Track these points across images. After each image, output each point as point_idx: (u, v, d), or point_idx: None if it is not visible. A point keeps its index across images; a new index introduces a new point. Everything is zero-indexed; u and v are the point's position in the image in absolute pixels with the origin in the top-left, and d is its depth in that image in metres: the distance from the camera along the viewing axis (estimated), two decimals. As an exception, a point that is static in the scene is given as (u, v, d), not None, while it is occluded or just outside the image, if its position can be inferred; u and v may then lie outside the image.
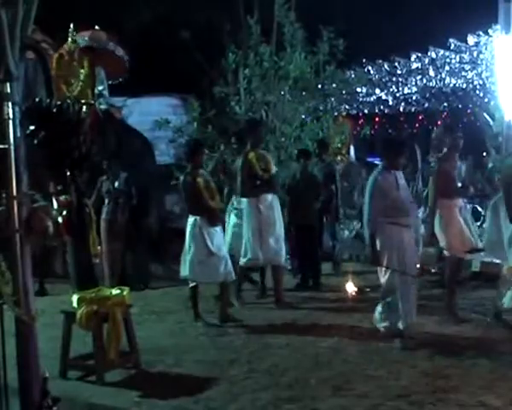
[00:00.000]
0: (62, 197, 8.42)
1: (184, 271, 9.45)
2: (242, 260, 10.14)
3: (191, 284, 9.44)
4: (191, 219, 9.31)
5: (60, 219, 8.02)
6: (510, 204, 8.18)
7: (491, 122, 14.22)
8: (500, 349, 7.62)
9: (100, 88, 12.11)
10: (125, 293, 7.56)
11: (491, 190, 13.62)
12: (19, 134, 4.38)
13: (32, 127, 7.54)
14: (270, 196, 10.08)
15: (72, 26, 11.27)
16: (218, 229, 9.49)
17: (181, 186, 9.60)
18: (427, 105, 18.56)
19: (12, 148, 4.29)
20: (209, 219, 9.25)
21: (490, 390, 6.21)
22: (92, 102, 11.77)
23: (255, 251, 10.02)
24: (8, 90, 4.23)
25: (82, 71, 11.74)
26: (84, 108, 11.48)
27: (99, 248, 9.98)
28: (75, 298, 7.40)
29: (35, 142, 8.61)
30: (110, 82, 11.86)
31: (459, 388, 6.62)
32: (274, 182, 10.25)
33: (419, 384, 6.76)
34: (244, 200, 10.11)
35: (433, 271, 11.47)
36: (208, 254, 9.20)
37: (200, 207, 9.22)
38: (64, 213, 7.69)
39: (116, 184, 11.74)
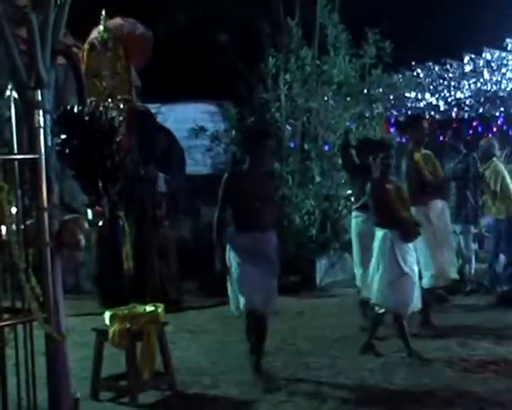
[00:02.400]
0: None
1: (368, 293, 8.67)
2: (427, 282, 9.30)
3: (378, 311, 8.48)
4: (380, 233, 8.35)
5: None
6: None
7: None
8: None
9: (138, 83, 12.15)
10: (159, 310, 7.61)
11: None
12: (50, 143, 4.43)
13: (63, 136, 7.62)
14: (440, 203, 9.56)
15: (104, 12, 11.39)
16: (412, 246, 8.44)
17: (368, 194, 8.68)
18: (481, 110, 18.45)
19: (43, 157, 4.35)
20: (402, 233, 8.25)
21: None
22: (130, 97, 11.87)
23: (440, 267, 9.34)
24: (39, 98, 4.28)
25: (118, 63, 11.84)
26: (122, 104, 11.30)
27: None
28: (107, 315, 7.47)
29: (66, 151, 8.73)
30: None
31: None
32: (445, 186, 9.88)
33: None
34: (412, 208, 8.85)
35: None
36: (401, 275, 8.18)
37: (391, 219, 8.28)
38: (100, 223, 7.76)
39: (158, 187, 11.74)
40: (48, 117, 4.39)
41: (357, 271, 9.53)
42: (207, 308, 11.45)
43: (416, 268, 8.39)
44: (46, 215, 4.36)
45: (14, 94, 4.37)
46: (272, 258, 7.67)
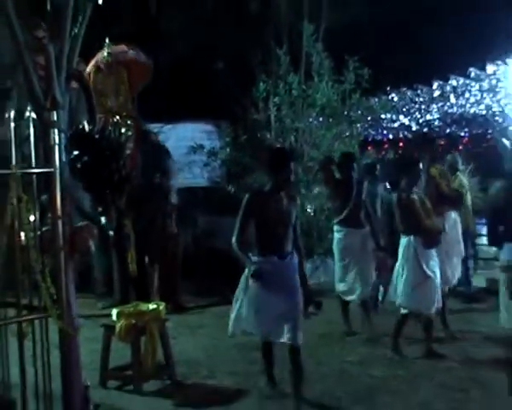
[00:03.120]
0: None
1: (395, 296, 8.32)
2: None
3: (403, 311, 8.30)
4: (404, 240, 8.19)
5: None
6: (492, 230, 8.01)
7: (510, 146, 14.18)
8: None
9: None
10: (161, 308, 7.62)
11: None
12: (63, 159, 4.45)
13: (75, 152, 7.64)
14: (453, 214, 9.43)
15: (107, 39, 11.62)
16: (434, 252, 8.24)
17: (395, 203, 8.47)
18: (448, 131, 18.50)
19: (57, 171, 4.36)
20: (425, 239, 8.10)
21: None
22: (135, 115, 12.02)
23: (447, 273, 9.04)
24: (55, 118, 4.30)
25: (122, 85, 12.08)
26: (128, 121, 11.81)
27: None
28: (114, 312, 7.48)
29: (78, 166, 8.74)
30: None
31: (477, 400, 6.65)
32: (459, 199, 9.62)
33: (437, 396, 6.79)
34: None
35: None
36: (424, 278, 8.03)
37: (415, 227, 8.10)
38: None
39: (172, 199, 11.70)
40: (62, 135, 4.41)
41: (338, 281, 9.34)
42: (205, 307, 11.44)
43: (437, 271, 8.20)
44: (60, 223, 4.36)
45: (33, 115, 4.38)
46: (292, 284, 6.51)
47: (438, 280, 8.16)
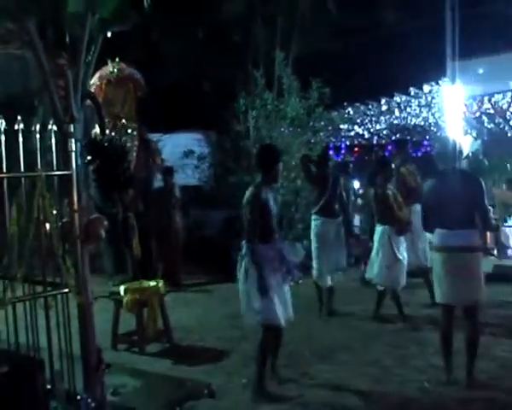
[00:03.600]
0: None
1: (371, 274, 8.40)
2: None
3: (380, 288, 8.40)
4: (380, 228, 8.21)
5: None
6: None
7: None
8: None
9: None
10: (160, 285, 7.64)
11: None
12: (79, 163, 4.46)
13: (88, 157, 7.64)
14: (418, 206, 8.60)
15: (117, 58, 11.88)
16: (403, 238, 8.27)
17: (372, 198, 8.55)
18: (394, 138, 18.58)
19: (74, 174, 4.37)
20: (397, 228, 8.13)
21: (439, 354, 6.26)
22: (138, 121, 12.16)
23: (415, 255, 8.94)
24: (72, 130, 4.31)
25: (128, 95, 12.10)
26: (134, 125, 11.99)
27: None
28: (122, 289, 7.49)
29: (91, 168, 8.75)
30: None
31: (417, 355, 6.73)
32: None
33: (386, 353, 6.85)
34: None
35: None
36: (395, 260, 8.12)
37: (389, 217, 8.10)
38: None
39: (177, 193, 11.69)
40: (78, 144, 4.42)
41: (316, 264, 8.72)
42: (198, 285, 11.45)
43: (405, 255, 8.28)
44: (77, 215, 4.37)
45: (54, 128, 4.40)
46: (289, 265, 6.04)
47: (405, 262, 8.23)
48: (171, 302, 8.69)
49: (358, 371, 6.41)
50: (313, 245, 8.84)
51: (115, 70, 11.93)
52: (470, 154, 13.63)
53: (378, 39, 17.46)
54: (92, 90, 10.63)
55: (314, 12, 15.60)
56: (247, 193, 5.92)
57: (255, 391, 5.83)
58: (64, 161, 4.38)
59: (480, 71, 12.23)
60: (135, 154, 11.93)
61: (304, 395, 5.84)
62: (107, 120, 10.66)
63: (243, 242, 5.91)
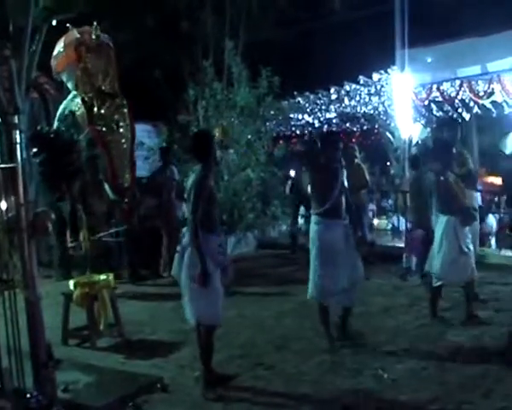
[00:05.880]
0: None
1: (431, 267, 7.60)
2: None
3: (436, 283, 7.58)
4: (444, 218, 7.38)
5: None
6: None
7: (392, 139, 14.54)
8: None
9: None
10: (110, 278, 7.58)
11: (393, 190, 13.94)
12: (24, 155, 4.40)
13: (34, 150, 7.52)
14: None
15: (95, 22, 10.83)
16: (467, 229, 7.46)
17: (433, 185, 7.60)
18: (344, 127, 18.75)
19: (19, 166, 4.31)
20: (462, 218, 7.38)
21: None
22: (118, 93, 11.21)
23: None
24: (16, 121, 4.25)
25: (110, 65, 11.13)
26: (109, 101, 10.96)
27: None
28: (71, 283, 7.41)
29: (37, 161, 8.59)
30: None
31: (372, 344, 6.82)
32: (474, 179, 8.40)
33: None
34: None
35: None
36: (460, 253, 7.32)
37: (454, 207, 7.32)
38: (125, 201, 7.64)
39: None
40: (23, 136, 4.35)
41: (317, 280, 6.78)
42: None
43: (472, 247, 7.52)
44: (23, 209, 4.31)
45: (-2, 119, 4.33)
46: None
47: (472, 255, 7.51)
48: (122, 296, 8.63)
49: (312, 359, 6.48)
50: (313, 256, 6.83)
51: (97, 35, 10.80)
52: (419, 141, 13.89)
53: (327, 27, 17.61)
54: (65, 59, 9.87)
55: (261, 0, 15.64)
56: (192, 178, 5.70)
57: (205, 387, 5.74)
58: (9, 153, 4.31)
59: (429, 60, 12.44)
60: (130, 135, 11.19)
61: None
62: (90, 95, 10.02)
63: (184, 230, 5.72)
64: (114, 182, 9.85)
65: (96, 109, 9.92)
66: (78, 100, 9.62)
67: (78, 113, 9.45)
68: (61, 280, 10.23)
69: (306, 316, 8.00)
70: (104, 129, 9.72)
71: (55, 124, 9.37)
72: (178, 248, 5.72)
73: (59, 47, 9.91)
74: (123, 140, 9.96)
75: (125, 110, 10.42)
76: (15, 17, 4.14)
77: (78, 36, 9.89)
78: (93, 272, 8.07)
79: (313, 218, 6.87)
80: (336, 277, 6.64)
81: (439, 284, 7.58)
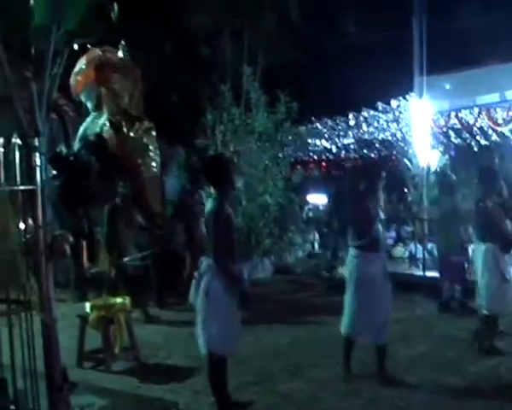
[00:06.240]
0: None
1: (479, 300, 7.26)
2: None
3: (485, 313, 7.20)
4: (483, 247, 7.12)
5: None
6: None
7: (410, 166, 14.52)
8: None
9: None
10: (126, 301, 7.58)
11: (411, 218, 13.86)
12: (44, 178, 4.40)
13: (54, 172, 7.54)
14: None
15: (123, 41, 9.73)
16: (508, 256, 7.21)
17: (471, 213, 7.41)
18: (361, 153, 18.74)
19: (39, 188, 4.32)
20: (503, 245, 7.08)
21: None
22: (144, 117, 10.10)
23: None
24: (36, 144, 4.27)
25: (136, 87, 9.82)
26: (137, 123, 9.88)
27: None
28: (87, 305, 7.41)
29: (56, 183, 8.57)
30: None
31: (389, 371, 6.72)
32: None
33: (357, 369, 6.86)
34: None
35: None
36: (503, 281, 7.04)
37: (494, 234, 7.06)
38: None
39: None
40: (43, 158, 4.36)
41: (352, 314, 6.53)
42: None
43: None
44: (41, 232, 4.32)
45: (18, 141, 4.35)
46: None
47: None
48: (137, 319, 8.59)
49: (328, 387, 6.41)
50: (350, 290, 6.53)
51: (124, 55, 9.81)
52: (438, 169, 13.83)
53: (346, 54, 17.68)
54: (85, 78, 9.39)
55: (280, 26, 15.75)
56: (209, 205, 5.54)
57: None
58: (28, 176, 4.32)
59: (447, 86, 12.43)
60: (159, 159, 10.15)
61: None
62: (118, 117, 9.55)
63: (202, 259, 5.54)
64: (146, 207, 9.72)
65: (125, 132, 9.67)
66: (102, 121, 9.50)
67: (105, 135, 9.33)
68: (77, 302, 10.23)
69: (322, 343, 7.96)
70: (134, 152, 9.59)
71: (76, 145, 9.29)
72: (196, 274, 5.61)
73: (80, 64, 9.52)
74: (153, 164, 9.84)
75: (154, 133, 10.18)
76: (37, 40, 4.16)
77: (101, 54, 9.65)
78: (115, 295, 8.03)
79: (352, 250, 6.52)
80: (373, 313, 6.35)
81: (487, 314, 7.23)
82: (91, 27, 4.29)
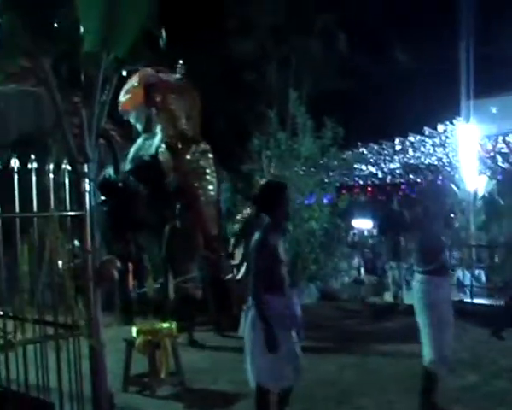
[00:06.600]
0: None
1: None
2: None
3: None
4: None
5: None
6: None
7: (457, 191, 14.29)
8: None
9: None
10: (173, 326, 7.56)
11: (458, 244, 13.61)
12: (93, 203, 4.43)
13: (103, 198, 7.61)
14: None
15: (181, 62, 9.78)
16: None
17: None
18: (407, 178, 18.58)
19: (87, 214, 4.35)
20: None
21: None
22: (200, 139, 10.01)
23: None
24: (86, 170, 4.30)
25: (194, 108, 9.78)
26: (194, 146, 9.61)
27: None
28: (134, 330, 7.41)
29: (105, 209, 8.62)
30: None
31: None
32: None
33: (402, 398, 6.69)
34: None
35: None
36: None
37: None
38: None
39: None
40: (92, 184, 4.40)
41: (433, 344, 5.86)
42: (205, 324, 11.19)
43: None
44: (90, 257, 4.34)
45: (68, 167, 4.39)
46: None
47: None
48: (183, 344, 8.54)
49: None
50: (425, 319, 5.91)
51: (182, 75, 9.68)
52: (486, 194, 13.57)
53: (391, 79, 17.59)
54: (134, 98, 9.22)
55: (326, 51, 15.75)
56: (254, 238, 5.14)
57: None
58: (77, 201, 4.36)
59: (494, 110, 12.24)
60: (214, 179, 9.97)
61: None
62: (173, 139, 9.25)
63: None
64: (205, 231, 9.50)
65: (181, 154, 9.46)
66: (156, 142, 9.46)
67: (160, 157, 9.24)
68: (123, 326, 10.24)
69: (369, 371, 7.80)
70: (191, 175, 9.42)
71: (128, 166, 9.26)
72: (245, 307, 5.36)
73: (132, 82, 9.39)
74: (210, 186, 9.68)
75: (210, 156, 9.94)
76: (87, 67, 4.21)
77: (153, 74, 9.53)
78: (161, 319, 8.01)
79: (420, 277, 5.97)
80: (450, 339, 5.95)
81: None
82: (140, 54, 4.32)
